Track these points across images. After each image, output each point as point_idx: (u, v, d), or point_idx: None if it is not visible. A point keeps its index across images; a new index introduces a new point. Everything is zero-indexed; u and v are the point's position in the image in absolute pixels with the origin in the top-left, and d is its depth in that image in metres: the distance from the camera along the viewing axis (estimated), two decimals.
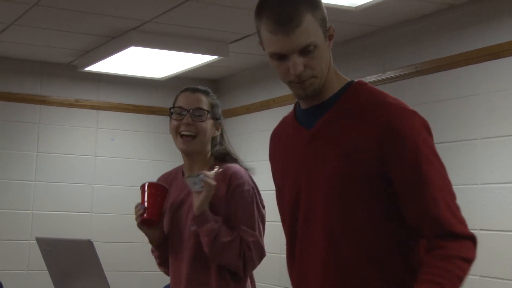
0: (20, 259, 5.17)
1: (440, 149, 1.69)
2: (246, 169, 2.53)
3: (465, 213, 1.61)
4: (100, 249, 2.16)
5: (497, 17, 3.48)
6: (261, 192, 2.52)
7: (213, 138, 2.53)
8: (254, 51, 4.71)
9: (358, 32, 4.21)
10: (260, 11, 1.70)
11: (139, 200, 2.46)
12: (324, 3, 1.71)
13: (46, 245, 2.00)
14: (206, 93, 2.54)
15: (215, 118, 2.52)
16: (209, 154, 2.52)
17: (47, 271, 2.24)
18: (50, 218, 5.27)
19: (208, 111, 2.48)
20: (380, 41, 4.16)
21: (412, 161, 1.64)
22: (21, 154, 5.27)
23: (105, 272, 1.82)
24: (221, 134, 2.59)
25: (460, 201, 1.57)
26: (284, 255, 1.84)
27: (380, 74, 4.11)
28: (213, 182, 2.35)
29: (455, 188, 1.68)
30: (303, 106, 1.79)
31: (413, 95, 3.89)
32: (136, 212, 2.42)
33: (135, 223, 2.47)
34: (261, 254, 2.44)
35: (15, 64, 5.25)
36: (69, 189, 5.36)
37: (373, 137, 1.66)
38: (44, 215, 5.27)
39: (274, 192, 1.88)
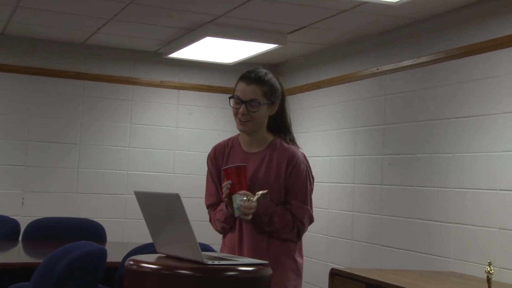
0: (117, 210, 5.29)
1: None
2: (298, 147, 2.48)
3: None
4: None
5: None
6: (311, 158, 2.42)
7: (271, 116, 2.45)
8: (308, 41, 4.69)
9: (397, 23, 4.14)
10: None
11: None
12: None
13: (142, 197, 2.05)
14: (261, 82, 2.39)
15: (270, 102, 2.41)
16: (265, 129, 2.46)
17: (139, 220, 2.22)
18: (141, 177, 5.37)
19: (261, 102, 2.37)
20: (415, 31, 4.08)
21: None
22: (117, 125, 5.37)
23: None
24: (282, 110, 2.48)
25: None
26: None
27: (415, 59, 4.05)
28: (248, 215, 2.28)
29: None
30: None
31: (443, 77, 3.82)
32: (224, 191, 2.33)
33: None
34: (311, 221, 2.45)
35: (112, 52, 5.33)
36: (155, 154, 5.44)
37: None
38: (136, 175, 5.37)
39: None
